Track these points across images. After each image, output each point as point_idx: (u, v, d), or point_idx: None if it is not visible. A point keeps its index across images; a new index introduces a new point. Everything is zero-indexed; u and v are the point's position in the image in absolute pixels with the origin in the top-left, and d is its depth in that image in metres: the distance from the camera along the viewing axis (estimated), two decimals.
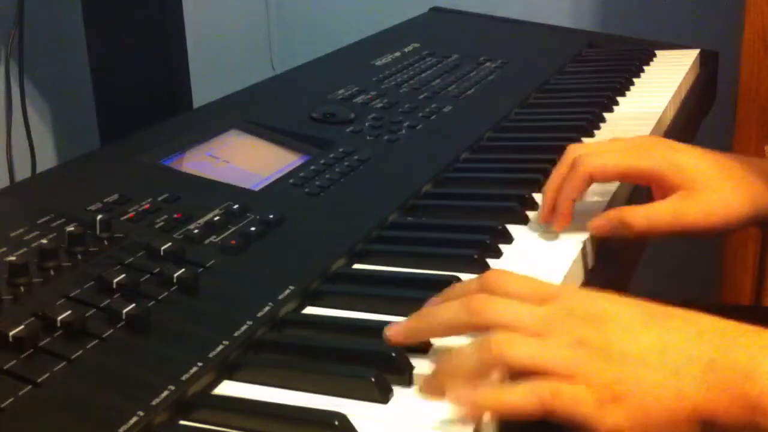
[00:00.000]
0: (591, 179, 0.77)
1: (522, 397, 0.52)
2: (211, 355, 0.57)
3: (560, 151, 0.93)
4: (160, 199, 0.77)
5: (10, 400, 0.51)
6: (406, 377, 0.56)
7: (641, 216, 0.75)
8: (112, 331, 0.58)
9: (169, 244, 0.68)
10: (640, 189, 0.85)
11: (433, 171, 0.90)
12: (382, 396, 0.54)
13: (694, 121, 1.24)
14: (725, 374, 0.51)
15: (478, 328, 0.56)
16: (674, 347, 0.52)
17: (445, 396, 0.53)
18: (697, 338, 0.53)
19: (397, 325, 0.58)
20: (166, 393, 0.53)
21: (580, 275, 0.73)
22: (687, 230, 0.76)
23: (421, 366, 0.57)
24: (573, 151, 0.79)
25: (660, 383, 0.51)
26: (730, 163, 0.79)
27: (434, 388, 0.54)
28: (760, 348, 0.52)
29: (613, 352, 0.53)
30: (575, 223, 0.77)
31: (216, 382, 0.57)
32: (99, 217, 0.70)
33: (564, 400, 0.51)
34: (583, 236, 0.76)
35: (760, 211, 0.78)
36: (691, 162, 0.77)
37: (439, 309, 0.58)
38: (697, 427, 0.51)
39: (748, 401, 0.50)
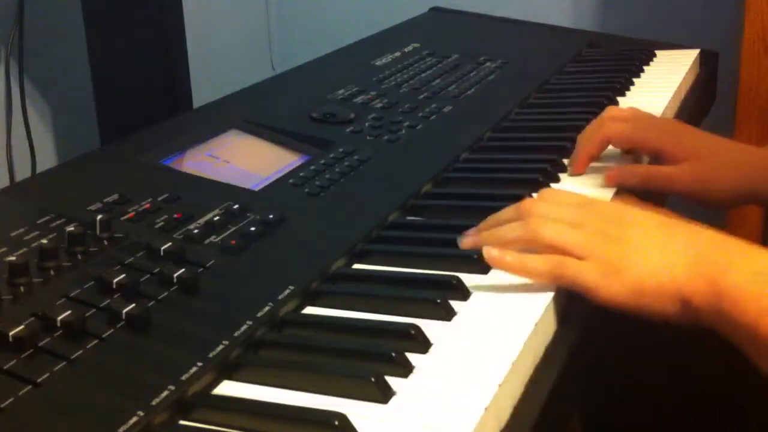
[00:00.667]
0: (609, 141, 0.91)
1: (537, 263, 0.67)
2: (211, 355, 0.57)
3: (560, 151, 0.93)
4: (160, 199, 0.77)
5: (10, 400, 0.51)
6: (406, 377, 0.56)
7: (663, 174, 0.89)
8: (112, 331, 0.58)
9: (169, 244, 0.68)
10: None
11: (433, 171, 0.90)
12: (382, 396, 0.54)
13: (694, 121, 1.24)
14: (707, 267, 0.63)
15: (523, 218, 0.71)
16: (675, 243, 0.66)
17: (482, 247, 0.69)
18: (694, 241, 0.66)
19: (468, 237, 0.72)
20: (166, 393, 0.53)
21: None
22: (682, 193, 0.89)
23: (422, 366, 0.57)
24: (608, 111, 0.93)
25: (657, 266, 0.64)
26: (731, 144, 0.93)
27: (473, 242, 0.71)
28: (738, 251, 0.64)
29: (625, 241, 0.66)
30: None
31: (216, 382, 0.57)
32: (99, 217, 0.70)
33: (571, 269, 0.66)
34: None
35: (754, 188, 0.89)
36: (695, 138, 0.91)
37: (502, 230, 0.71)
38: (678, 304, 0.63)
39: (718, 289, 0.62)
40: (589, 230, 0.68)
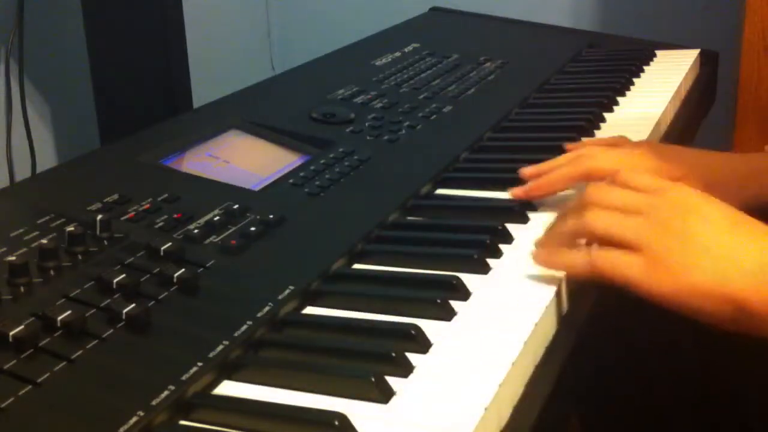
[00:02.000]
0: (589, 176, 0.81)
1: (577, 258, 0.65)
2: (211, 355, 0.57)
3: (560, 151, 0.93)
4: (160, 199, 0.77)
5: (10, 400, 0.51)
6: (406, 377, 0.56)
7: None
8: (112, 331, 0.58)
9: (169, 244, 0.68)
10: None
11: (433, 171, 0.90)
12: (382, 396, 0.54)
13: (694, 121, 1.24)
14: None
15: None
16: (738, 246, 0.62)
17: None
18: (760, 244, 0.62)
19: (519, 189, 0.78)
20: (166, 393, 0.53)
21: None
22: None
23: (422, 366, 0.57)
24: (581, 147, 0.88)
25: (714, 268, 0.61)
26: (717, 157, 0.88)
27: (523, 193, 0.79)
28: None
29: (688, 237, 0.62)
30: None
31: (216, 382, 0.57)
32: (99, 217, 0.70)
33: (614, 263, 0.63)
34: None
35: (747, 198, 0.84)
36: (677, 158, 0.85)
37: (557, 226, 0.69)
38: (729, 309, 0.60)
39: None
40: (649, 218, 0.64)
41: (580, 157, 0.82)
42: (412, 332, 0.60)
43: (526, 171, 0.83)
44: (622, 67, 1.28)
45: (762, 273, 0.60)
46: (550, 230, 0.70)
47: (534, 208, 0.82)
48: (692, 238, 0.62)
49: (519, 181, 0.84)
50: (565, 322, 0.67)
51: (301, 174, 0.86)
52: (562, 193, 0.82)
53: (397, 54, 1.31)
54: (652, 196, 0.66)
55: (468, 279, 0.68)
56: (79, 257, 0.66)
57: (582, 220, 0.66)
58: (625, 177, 0.69)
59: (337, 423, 0.50)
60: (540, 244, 0.69)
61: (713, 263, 0.61)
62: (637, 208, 0.65)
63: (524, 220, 0.79)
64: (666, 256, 0.62)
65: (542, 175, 0.82)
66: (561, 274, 0.68)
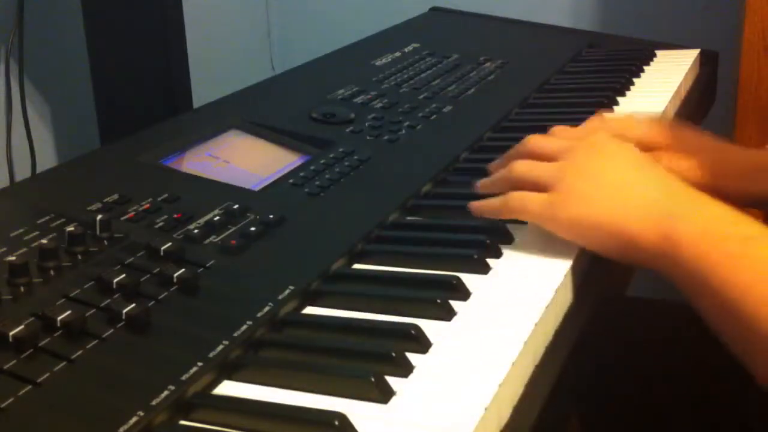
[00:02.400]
0: None
1: (493, 200, 0.75)
2: (211, 355, 0.57)
3: None
4: (160, 199, 0.77)
5: (10, 400, 0.51)
6: (406, 377, 0.56)
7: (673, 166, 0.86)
8: (112, 331, 0.58)
9: (169, 244, 0.68)
10: None
11: (433, 171, 0.90)
12: (382, 396, 0.54)
13: (694, 121, 1.24)
14: (660, 214, 0.66)
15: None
16: (637, 187, 0.68)
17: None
18: (657, 189, 0.68)
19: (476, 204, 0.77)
20: (166, 393, 0.53)
21: (582, 271, 0.73)
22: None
23: (422, 366, 0.57)
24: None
25: (608, 202, 0.68)
26: (734, 145, 0.95)
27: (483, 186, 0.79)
28: (693, 203, 0.67)
29: (592, 175, 0.70)
30: None
31: (216, 382, 0.57)
32: (99, 217, 0.70)
33: (523, 201, 0.71)
34: None
35: (750, 188, 0.89)
36: (694, 137, 0.91)
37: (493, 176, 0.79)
38: (622, 242, 0.67)
39: (666, 234, 0.64)
40: (565, 162, 0.72)
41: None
42: (412, 332, 0.60)
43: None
44: (622, 67, 1.27)
45: (645, 206, 0.66)
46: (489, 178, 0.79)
47: None
48: (596, 176, 0.70)
49: None
50: (565, 321, 0.67)
51: (301, 174, 0.86)
52: None
53: (397, 54, 1.31)
54: (574, 142, 0.74)
55: (468, 279, 0.68)
56: (79, 257, 0.66)
57: (509, 171, 0.75)
58: (558, 129, 0.80)
59: (337, 423, 0.50)
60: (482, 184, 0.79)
61: (608, 197, 0.68)
62: (556, 154, 0.73)
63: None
64: (568, 191, 0.70)
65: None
66: (561, 274, 0.68)
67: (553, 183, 0.71)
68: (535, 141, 0.77)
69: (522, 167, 0.74)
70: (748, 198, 0.88)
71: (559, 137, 0.78)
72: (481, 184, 0.79)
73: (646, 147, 0.89)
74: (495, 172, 0.80)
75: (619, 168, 0.71)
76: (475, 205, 0.76)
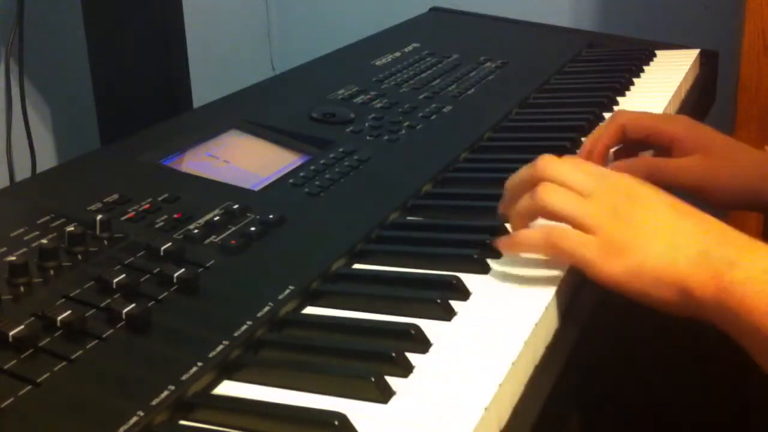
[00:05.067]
0: (624, 129, 0.89)
1: (535, 234, 0.67)
2: (211, 355, 0.57)
3: (560, 151, 0.93)
4: (160, 199, 0.77)
5: (10, 400, 0.51)
6: (406, 377, 0.56)
7: (672, 165, 0.87)
8: (112, 331, 0.58)
9: (169, 244, 0.68)
10: None
11: (433, 171, 0.90)
12: (382, 396, 0.54)
13: None
14: (712, 260, 0.61)
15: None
16: (683, 232, 0.64)
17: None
18: (703, 231, 0.64)
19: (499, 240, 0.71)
20: (166, 393, 0.53)
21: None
22: (693, 186, 0.87)
23: (422, 366, 0.57)
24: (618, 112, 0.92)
25: (662, 252, 0.63)
26: (743, 145, 0.91)
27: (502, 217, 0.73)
28: (745, 247, 0.62)
29: (635, 220, 0.65)
30: None
31: (216, 382, 0.57)
32: (99, 217, 0.70)
33: (570, 241, 0.65)
34: None
35: (758, 192, 0.88)
36: (709, 132, 0.90)
37: (517, 206, 0.70)
38: (678, 293, 0.62)
39: (722, 283, 0.60)
40: (599, 202, 0.66)
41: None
42: (412, 332, 0.60)
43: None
44: (622, 67, 1.28)
45: (703, 258, 0.62)
46: (512, 214, 0.71)
47: None
48: (638, 221, 0.65)
49: None
50: (565, 321, 0.67)
51: (301, 174, 0.86)
52: None
53: (397, 54, 1.31)
54: (597, 180, 0.68)
55: (468, 279, 0.68)
56: (79, 257, 0.66)
57: (538, 198, 0.68)
58: (571, 159, 0.73)
59: (337, 423, 0.50)
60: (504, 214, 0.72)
61: (662, 247, 0.63)
62: (586, 189, 0.67)
63: None
64: (618, 238, 0.64)
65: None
66: (561, 273, 0.68)
67: (594, 225, 0.65)
68: (554, 167, 0.69)
69: (558, 199, 0.67)
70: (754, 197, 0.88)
71: (578, 168, 0.70)
72: (502, 205, 0.73)
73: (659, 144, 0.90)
74: (512, 192, 0.73)
75: (661, 214, 0.66)
76: (505, 242, 0.70)
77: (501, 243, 0.70)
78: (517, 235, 0.69)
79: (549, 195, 0.67)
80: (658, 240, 0.63)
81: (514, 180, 0.73)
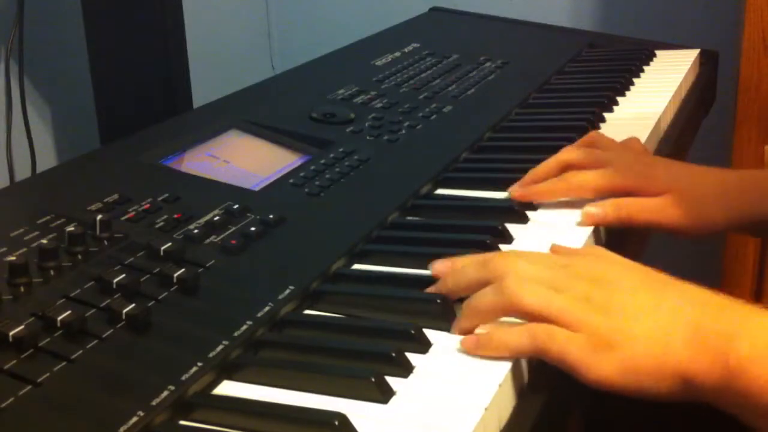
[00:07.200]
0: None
1: (518, 336, 0.58)
2: (211, 355, 0.57)
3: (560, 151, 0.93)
4: (160, 199, 0.77)
5: (10, 400, 0.51)
6: (406, 377, 0.56)
7: (638, 205, 0.81)
8: (112, 331, 0.58)
9: (169, 244, 0.68)
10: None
11: (433, 171, 0.90)
12: (382, 396, 0.54)
13: (694, 121, 1.24)
14: (709, 339, 0.55)
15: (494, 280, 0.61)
16: (667, 309, 0.57)
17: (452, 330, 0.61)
18: (688, 304, 0.58)
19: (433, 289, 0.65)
20: (166, 393, 0.53)
21: None
22: (667, 228, 0.83)
23: (421, 366, 0.57)
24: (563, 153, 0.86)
25: (651, 338, 0.56)
26: (706, 172, 0.86)
27: (457, 323, 0.61)
28: (743, 318, 0.56)
29: (613, 308, 0.58)
30: (573, 225, 0.77)
31: (216, 382, 0.57)
32: (99, 217, 0.70)
33: (558, 342, 0.57)
34: (583, 236, 0.76)
35: (732, 222, 0.84)
36: (664, 172, 0.84)
37: (475, 300, 0.62)
38: (678, 383, 0.56)
39: (727, 364, 0.54)
40: (572, 295, 0.59)
41: (564, 177, 0.83)
42: (412, 332, 0.60)
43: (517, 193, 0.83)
44: (622, 67, 1.28)
45: (698, 336, 0.55)
46: (465, 304, 0.62)
47: (534, 208, 0.82)
48: (616, 308, 0.58)
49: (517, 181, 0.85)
50: None
51: (301, 174, 0.86)
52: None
53: (397, 54, 1.31)
54: (561, 270, 0.61)
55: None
56: (79, 257, 0.66)
57: (507, 293, 0.59)
58: (518, 252, 0.67)
59: (337, 423, 0.50)
60: (460, 329, 0.61)
61: (648, 330, 0.56)
62: (553, 282, 0.60)
63: (524, 220, 0.80)
64: (600, 333, 0.57)
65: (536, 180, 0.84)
66: None
67: (571, 321, 0.58)
68: (509, 264, 0.62)
69: (532, 296, 0.59)
70: (735, 220, 0.84)
71: (535, 263, 0.62)
72: (467, 321, 0.61)
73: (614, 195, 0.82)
74: (459, 283, 0.64)
75: (636, 292, 0.59)
76: (470, 343, 0.59)
77: (468, 345, 0.59)
78: (491, 338, 0.58)
79: (520, 289, 0.59)
80: (643, 323, 0.57)
81: (461, 272, 0.64)
